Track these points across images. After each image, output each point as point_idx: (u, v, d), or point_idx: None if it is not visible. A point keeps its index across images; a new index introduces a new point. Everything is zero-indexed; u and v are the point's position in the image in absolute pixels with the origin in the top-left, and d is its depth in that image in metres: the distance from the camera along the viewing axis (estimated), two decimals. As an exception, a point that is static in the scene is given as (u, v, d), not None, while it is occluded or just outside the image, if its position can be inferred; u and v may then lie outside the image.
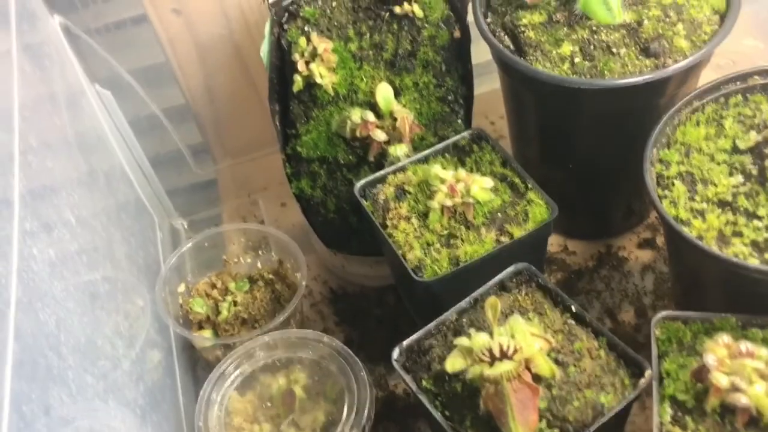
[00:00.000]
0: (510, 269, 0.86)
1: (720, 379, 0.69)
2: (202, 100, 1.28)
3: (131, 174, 1.16)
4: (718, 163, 0.86)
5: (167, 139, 1.27)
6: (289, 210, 1.26)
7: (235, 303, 1.07)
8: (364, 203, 0.96)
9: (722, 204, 0.82)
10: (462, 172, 0.92)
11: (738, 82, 0.91)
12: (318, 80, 1.02)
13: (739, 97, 0.91)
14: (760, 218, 0.80)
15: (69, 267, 0.76)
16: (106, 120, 1.12)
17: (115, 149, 1.13)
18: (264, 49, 1.05)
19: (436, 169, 0.93)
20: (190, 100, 1.27)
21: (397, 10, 1.03)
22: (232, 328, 1.04)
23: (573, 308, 0.82)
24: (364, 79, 1.03)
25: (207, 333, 1.04)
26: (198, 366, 1.08)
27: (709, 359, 0.71)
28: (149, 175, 1.22)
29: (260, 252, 1.14)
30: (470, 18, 1.01)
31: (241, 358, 0.95)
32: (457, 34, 1.02)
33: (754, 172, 0.83)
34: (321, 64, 1.02)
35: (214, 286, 1.10)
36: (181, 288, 1.09)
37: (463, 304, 0.84)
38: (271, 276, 1.10)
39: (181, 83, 1.25)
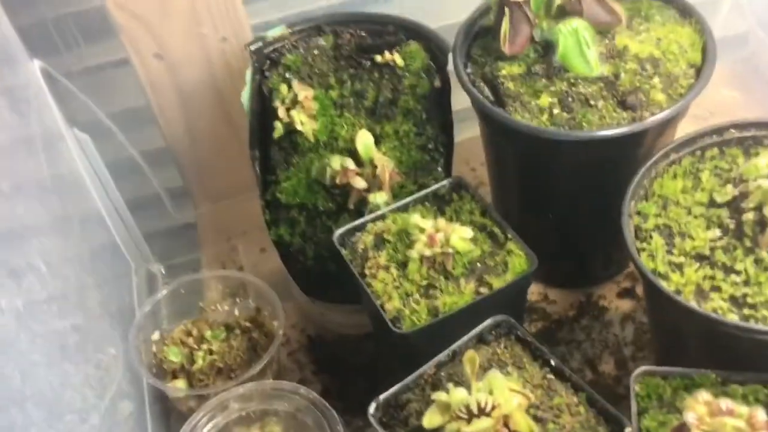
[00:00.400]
0: (489, 321, 0.85)
1: (700, 438, 0.68)
2: (183, 144, 1.27)
3: (108, 218, 1.15)
4: (696, 217, 0.86)
5: (146, 182, 1.26)
6: (269, 256, 1.24)
7: (210, 352, 1.05)
8: (343, 252, 0.95)
9: (700, 258, 0.82)
10: (441, 222, 0.92)
11: (714, 136, 0.92)
12: (299, 127, 1.02)
13: (716, 150, 0.91)
14: (738, 273, 0.80)
15: (37, 317, 0.74)
16: (84, 164, 1.11)
17: (92, 193, 1.12)
18: (245, 96, 1.05)
19: (415, 218, 0.92)
20: (170, 144, 1.26)
21: (379, 59, 1.04)
22: (207, 378, 1.02)
23: (552, 362, 0.81)
24: (345, 127, 1.04)
25: (180, 383, 1.02)
26: (171, 417, 1.06)
27: (689, 417, 0.70)
28: (126, 220, 1.21)
29: (238, 299, 1.12)
30: (450, 67, 1.02)
31: (214, 410, 0.92)
32: (437, 83, 1.03)
33: (732, 226, 0.83)
34: (302, 111, 1.02)
35: (189, 333, 1.08)
36: (156, 336, 1.07)
37: (442, 356, 0.83)
38: (248, 324, 1.08)
39: (162, 127, 1.24)
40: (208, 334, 1.08)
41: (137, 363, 0.99)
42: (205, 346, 1.06)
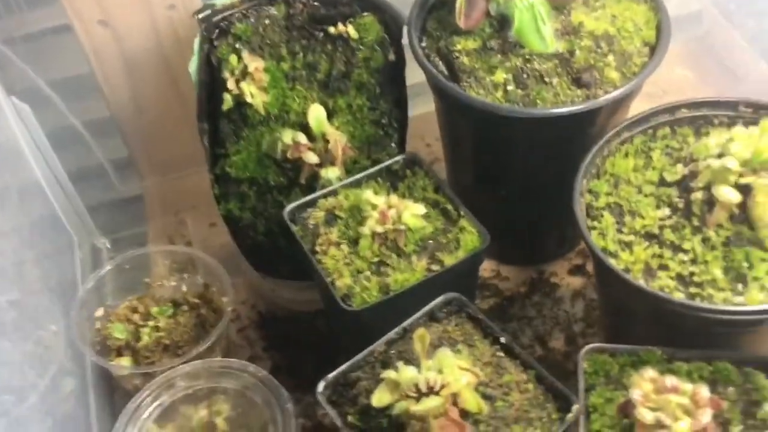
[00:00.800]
0: (440, 299, 0.84)
1: (645, 415, 0.69)
2: (128, 114, 1.23)
3: (48, 190, 1.10)
4: (646, 195, 0.86)
5: (89, 153, 1.22)
6: (219, 230, 1.21)
7: (157, 328, 1.02)
8: (294, 228, 0.93)
9: (649, 236, 0.83)
10: (394, 198, 0.91)
11: (666, 114, 0.92)
12: (249, 99, 0.99)
13: (667, 129, 0.92)
14: (685, 252, 0.81)
15: (-29, 293, 0.71)
16: (23, 133, 1.07)
17: (31, 164, 1.07)
18: (193, 66, 1.01)
19: (367, 194, 0.91)
20: (115, 114, 1.22)
21: (332, 30, 1.01)
22: (153, 355, 1.00)
23: (502, 339, 0.81)
24: (297, 100, 1.01)
25: (125, 361, 0.99)
26: (116, 395, 1.03)
27: (635, 394, 0.70)
28: (68, 191, 1.17)
29: (186, 275, 1.09)
30: (405, 41, 1.00)
31: (160, 388, 0.90)
32: (391, 57, 1.01)
33: (681, 205, 0.84)
34: (252, 83, 0.99)
35: (135, 310, 1.05)
36: (100, 312, 1.04)
37: (392, 334, 0.82)
38: (196, 300, 1.06)
39: (107, 96, 1.20)
40: (154, 310, 1.05)
41: (80, 340, 0.96)
42: (151, 323, 1.03)
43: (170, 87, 1.22)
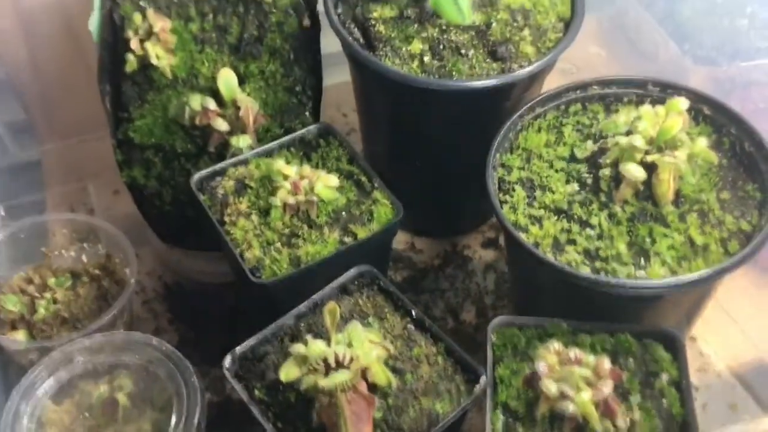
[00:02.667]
0: (352, 272, 0.83)
1: (549, 387, 0.70)
2: (26, 74, 1.16)
3: (-65, 153, 1.03)
4: (557, 171, 0.87)
5: (-18, 114, 1.14)
6: (123, 198, 1.16)
7: (54, 301, 0.97)
8: (202, 197, 0.90)
9: (558, 211, 0.84)
10: (307, 169, 0.88)
11: (578, 91, 0.93)
12: (154, 61, 0.94)
13: (579, 105, 0.93)
14: (592, 227, 0.82)
15: None
16: None
17: None
18: (93, 23, 0.95)
19: (279, 164, 0.88)
20: (11, 74, 1.15)
21: (244, -9, 0.97)
22: (50, 329, 0.95)
23: (413, 313, 0.80)
24: (206, 63, 0.97)
25: (20, 335, 0.94)
26: (10, 371, 0.98)
27: (540, 366, 0.72)
28: (-41, 155, 1.09)
29: (86, 245, 1.04)
30: (320, 7, 0.97)
31: (57, 363, 0.86)
32: (306, 22, 0.98)
33: (589, 181, 0.85)
34: (158, 44, 0.94)
35: (30, 281, 0.99)
36: (-8, 283, 0.98)
37: (302, 308, 0.81)
38: (97, 271, 1.01)
39: (1, 54, 1.12)
40: (51, 281, 1.00)
41: (-31, 313, 0.90)
42: (48, 295, 0.98)
43: (71, 45, 1.15)
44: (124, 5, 0.95)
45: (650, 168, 0.81)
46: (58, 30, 1.13)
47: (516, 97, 0.94)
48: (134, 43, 0.93)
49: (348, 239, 0.86)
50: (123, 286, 0.98)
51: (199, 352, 0.99)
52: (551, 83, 0.96)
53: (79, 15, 1.11)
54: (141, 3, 0.95)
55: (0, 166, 1.21)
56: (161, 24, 0.94)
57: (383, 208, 0.89)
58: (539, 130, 0.91)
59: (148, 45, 0.93)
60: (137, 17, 0.94)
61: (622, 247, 0.80)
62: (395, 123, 1.01)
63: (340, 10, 0.95)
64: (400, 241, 1.13)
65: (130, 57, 0.94)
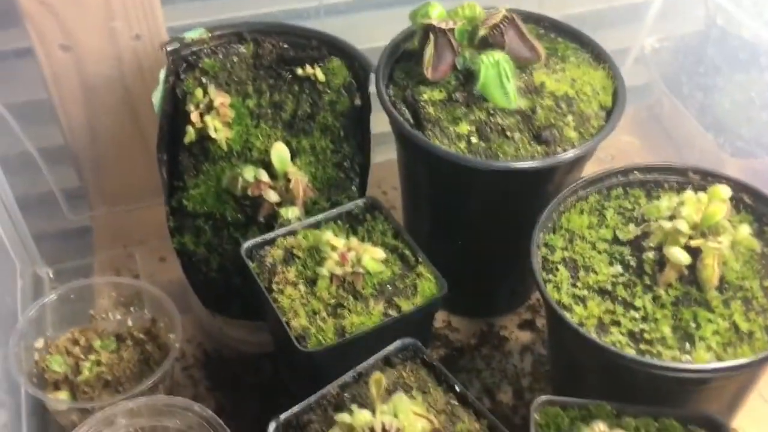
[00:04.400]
0: (396, 344, 0.84)
1: (596, 468, 0.69)
2: (83, 142, 1.21)
3: (-5, 214, 1.07)
4: (600, 252, 0.89)
5: (40, 180, 1.18)
6: (168, 266, 1.19)
7: (98, 363, 0.99)
8: (251, 264, 0.92)
9: (602, 292, 0.85)
10: (354, 241, 0.91)
11: (619, 176, 0.96)
12: (212, 134, 0.99)
13: (620, 190, 0.95)
14: (636, 309, 0.83)
15: None
16: (-26, 156, 1.04)
17: (-21, 188, 1.04)
18: (156, 96, 1.01)
19: (327, 235, 0.91)
20: (70, 141, 1.20)
21: (300, 72, 1.02)
22: (92, 391, 0.96)
23: (456, 388, 0.81)
24: (260, 138, 1.01)
25: (63, 395, 0.95)
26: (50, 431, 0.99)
27: (586, 447, 0.71)
28: (15, 217, 1.13)
29: (132, 309, 1.06)
30: (372, 89, 1.02)
31: (99, 424, 0.87)
32: (357, 102, 1.02)
33: (633, 263, 0.86)
34: (216, 117, 0.99)
35: (76, 342, 1.01)
36: (39, 343, 0.99)
37: (347, 377, 0.82)
38: (141, 335, 1.03)
39: (63, 122, 1.17)
40: (96, 344, 1.01)
41: (16, 371, 0.92)
42: (92, 357, 0.99)
43: (128, 118, 1.20)
44: (187, 81, 1.00)
45: (694, 253, 0.82)
46: (117, 102, 1.19)
47: (558, 179, 0.96)
48: (195, 116, 0.98)
49: (392, 312, 0.88)
50: (166, 351, 1.00)
51: (236, 421, 0.99)
52: (588, 170, 0.99)
53: (137, 89, 1.18)
54: (203, 79, 1.01)
55: (53, 230, 1.25)
56: (221, 99, 0.99)
57: (427, 283, 0.91)
58: (582, 212, 0.93)
59: (208, 118, 0.98)
60: (199, 92, 0.99)
61: (667, 331, 0.81)
62: (439, 201, 1.04)
63: (391, 92, 1.00)
64: (437, 318, 1.14)
65: (190, 129, 0.98)
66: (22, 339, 0.97)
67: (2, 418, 0.88)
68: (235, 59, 1.04)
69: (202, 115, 0.99)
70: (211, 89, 1.00)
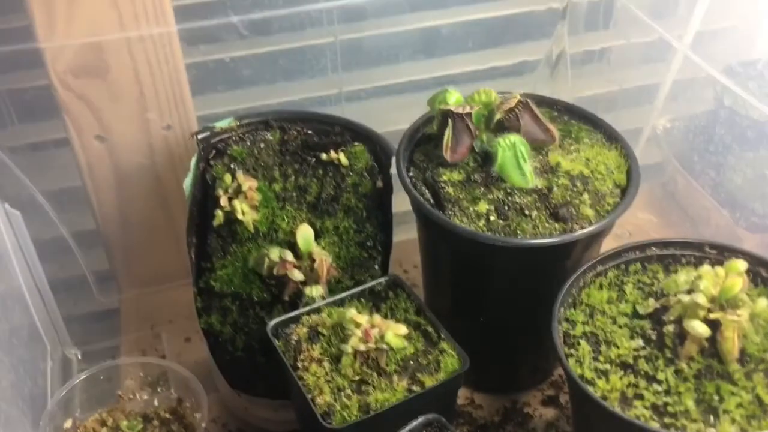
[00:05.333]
0: (420, 420, 0.85)
1: None
2: (114, 228, 1.25)
3: (29, 298, 1.10)
4: (620, 326, 0.90)
5: (72, 263, 1.23)
6: (194, 346, 1.22)
7: (125, 444, 1.00)
8: (277, 343, 0.94)
9: (624, 366, 0.86)
10: (377, 318, 0.93)
11: (637, 252, 0.98)
12: (239, 216, 1.02)
13: (639, 265, 0.97)
14: (659, 382, 0.83)
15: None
16: (11, 241, 1.08)
17: (16, 271, 1.08)
18: (187, 182, 1.05)
19: (351, 312, 0.93)
20: (101, 226, 1.24)
21: (324, 157, 1.07)
22: (119, 471, 0.97)
23: (482, 464, 0.81)
24: (286, 219, 1.05)
25: (91, 475, 0.96)
26: None
27: None
28: (48, 301, 1.17)
29: (159, 389, 1.08)
30: (393, 171, 1.06)
31: (126, 505, 0.87)
32: (379, 184, 1.06)
33: (654, 337, 0.87)
34: (244, 201, 1.03)
35: (104, 423, 1.03)
36: (68, 424, 1.01)
37: (372, 454, 0.82)
38: (168, 415, 1.04)
39: (95, 209, 1.22)
40: (123, 424, 1.03)
41: (45, 453, 0.93)
42: (119, 438, 1.01)
43: (158, 204, 1.25)
44: (217, 167, 1.05)
45: (714, 326, 0.83)
46: (148, 188, 1.24)
47: (576, 256, 0.99)
48: (223, 200, 1.02)
49: (416, 388, 0.89)
50: (192, 431, 1.01)
51: (261, 502, 0.99)
52: (606, 247, 1.01)
53: (168, 177, 1.23)
54: (231, 165, 1.06)
55: (82, 312, 1.28)
56: (249, 184, 1.03)
57: (450, 359, 0.92)
58: (601, 287, 0.94)
59: (236, 202, 1.02)
60: (227, 177, 1.04)
61: (690, 404, 0.81)
62: (460, 279, 1.06)
63: (411, 174, 1.04)
64: (460, 395, 1.14)
65: (218, 212, 1.02)
66: (52, 420, 0.98)
67: (31, 499, 0.89)
68: (262, 146, 1.09)
69: (230, 199, 1.03)
70: (239, 174, 1.04)
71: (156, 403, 1.07)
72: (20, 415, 0.94)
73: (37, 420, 0.96)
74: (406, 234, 1.29)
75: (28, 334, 1.07)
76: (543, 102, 1.12)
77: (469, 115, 1.01)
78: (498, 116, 1.01)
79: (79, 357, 1.21)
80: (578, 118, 1.12)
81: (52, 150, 1.23)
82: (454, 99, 1.03)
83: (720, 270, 0.87)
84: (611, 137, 1.08)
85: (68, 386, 1.02)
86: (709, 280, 0.85)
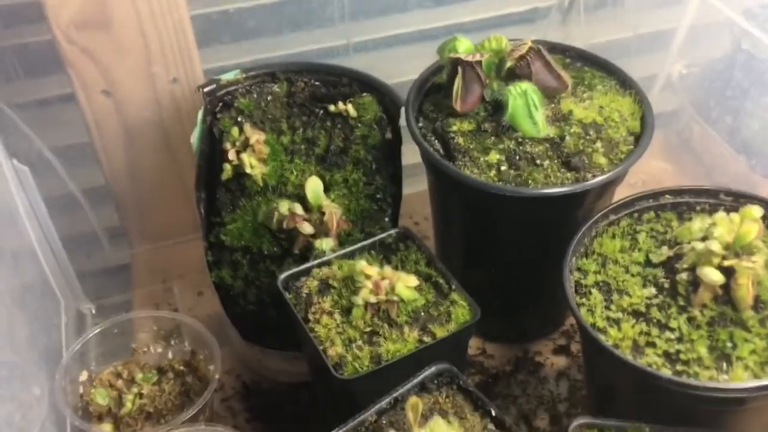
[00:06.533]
0: (432, 370, 0.85)
1: (636, 490, 0.69)
2: (124, 183, 1.25)
3: (41, 254, 1.11)
4: (633, 275, 0.89)
5: (83, 220, 1.23)
6: (206, 299, 1.22)
7: (140, 395, 1.01)
8: (287, 296, 0.94)
9: (637, 314, 0.85)
10: (387, 270, 0.92)
11: (651, 200, 0.96)
12: (248, 170, 1.02)
13: (652, 213, 0.96)
14: (672, 330, 0.83)
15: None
16: (21, 197, 1.08)
17: (27, 227, 1.08)
18: (195, 136, 1.04)
19: (361, 264, 0.93)
20: (111, 182, 1.24)
21: (332, 108, 1.05)
22: (135, 423, 0.98)
23: (493, 413, 0.81)
24: (295, 173, 1.04)
25: (107, 427, 0.98)
26: (93, 464, 1.01)
27: (626, 469, 0.71)
28: (60, 256, 1.17)
29: (172, 342, 1.09)
30: (402, 122, 1.04)
31: (143, 455, 0.89)
32: (388, 135, 1.05)
33: (666, 285, 0.87)
34: (252, 154, 1.02)
35: (119, 376, 1.04)
36: (83, 377, 1.02)
37: (383, 403, 0.82)
38: (182, 367, 1.05)
39: (104, 164, 1.22)
40: (138, 376, 1.04)
41: (62, 404, 0.95)
42: (134, 389, 1.02)
43: (167, 158, 1.24)
44: (224, 120, 1.04)
45: (728, 273, 0.82)
46: (156, 143, 1.23)
47: (589, 205, 0.97)
48: (231, 154, 1.01)
49: (427, 338, 0.89)
50: (206, 383, 1.02)
51: (275, 451, 1.01)
52: (620, 196, 0.99)
53: (175, 131, 1.22)
54: (239, 118, 1.04)
55: (95, 267, 1.29)
56: (256, 137, 1.02)
57: (461, 309, 0.92)
58: (613, 236, 0.93)
59: (244, 155, 1.01)
60: (235, 131, 1.03)
61: (703, 351, 0.81)
62: (471, 230, 1.05)
63: (421, 124, 1.02)
64: (472, 345, 1.14)
65: (227, 166, 1.02)
66: (67, 373, 1.00)
67: (50, 450, 0.91)
68: (269, 98, 1.07)
69: (238, 153, 1.02)
70: (247, 127, 1.03)
71: (170, 355, 1.08)
72: (36, 369, 0.95)
73: (53, 373, 0.97)
74: (416, 186, 1.27)
75: (41, 289, 1.08)
76: (555, 49, 1.10)
77: (479, 63, 0.98)
78: (509, 64, 0.99)
79: (93, 312, 1.23)
80: (591, 65, 1.10)
81: (58, 105, 1.22)
82: (463, 47, 1.01)
83: (735, 217, 0.86)
84: (625, 84, 1.06)
85: (83, 340, 1.03)
86: (724, 227, 0.84)
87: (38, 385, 0.94)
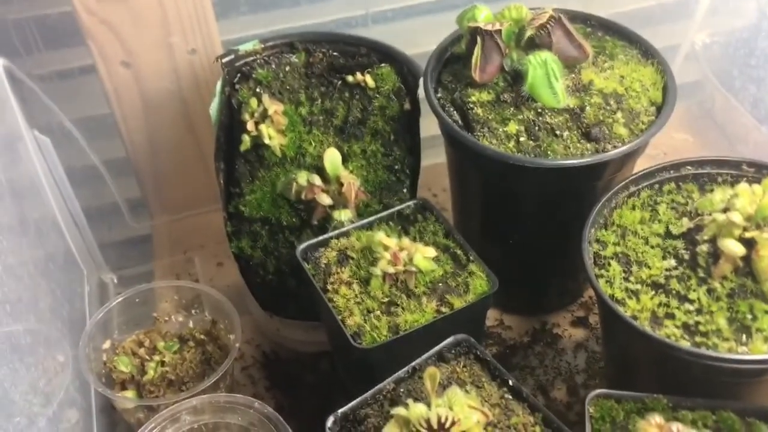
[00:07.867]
0: (449, 340, 0.86)
1: (653, 459, 0.70)
2: (144, 154, 1.26)
3: (63, 224, 1.12)
4: (652, 247, 0.89)
5: (104, 191, 1.24)
6: (226, 270, 1.23)
7: (162, 363, 1.03)
8: (306, 266, 0.95)
9: (656, 286, 0.85)
10: (406, 241, 0.93)
11: (672, 171, 0.95)
12: (266, 141, 1.02)
13: (673, 185, 0.95)
14: (691, 302, 0.82)
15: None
16: (43, 167, 1.09)
17: (49, 198, 1.09)
18: (213, 107, 1.04)
19: (380, 236, 0.93)
20: (131, 154, 1.25)
21: (350, 79, 1.05)
22: (157, 390, 1.00)
23: (510, 382, 0.82)
24: (313, 144, 1.04)
25: (130, 394, 0.99)
26: (118, 429, 1.03)
27: (643, 439, 0.71)
28: (82, 227, 1.18)
29: (193, 311, 1.10)
30: (420, 93, 1.04)
31: (165, 421, 0.90)
32: (407, 106, 1.04)
33: (686, 257, 0.86)
34: (271, 125, 1.02)
35: (141, 344, 1.06)
36: (107, 345, 1.04)
37: (401, 373, 0.83)
38: (202, 336, 1.06)
39: (124, 136, 1.23)
40: (160, 345, 1.06)
41: (86, 371, 0.96)
42: (156, 357, 1.03)
43: (186, 129, 1.25)
44: (242, 91, 1.04)
45: (749, 245, 0.82)
46: (175, 114, 1.24)
47: (609, 176, 0.97)
48: (250, 125, 1.01)
49: (445, 309, 0.89)
50: (226, 352, 1.03)
51: (294, 419, 1.02)
52: (640, 167, 0.99)
53: (194, 102, 1.22)
54: (257, 89, 1.04)
55: (116, 238, 1.30)
56: (275, 108, 1.02)
57: (479, 281, 0.92)
58: (633, 207, 0.93)
59: (262, 127, 1.01)
60: (253, 102, 1.03)
61: (722, 323, 0.80)
62: (489, 201, 1.05)
63: (439, 95, 1.02)
64: (490, 317, 1.15)
65: (245, 137, 1.02)
66: (91, 341, 1.01)
67: (75, 416, 0.93)
68: (288, 68, 1.07)
69: (257, 124, 1.02)
70: (265, 98, 1.03)
71: (191, 324, 1.09)
72: (59, 337, 0.97)
73: (77, 341, 0.99)
74: (434, 158, 1.27)
75: (64, 259, 1.10)
76: (576, 17, 1.08)
77: (498, 32, 0.97)
78: (529, 33, 0.98)
79: (115, 281, 1.24)
80: (613, 34, 1.08)
81: (78, 77, 1.22)
82: (483, 16, 1.00)
83: (757, 188, 0.85)
84: (647, 53, 1.05)
85: (105, 308, 1.05)
86: (746, 198, 0.83)
87: (62, 352, 0.96)
